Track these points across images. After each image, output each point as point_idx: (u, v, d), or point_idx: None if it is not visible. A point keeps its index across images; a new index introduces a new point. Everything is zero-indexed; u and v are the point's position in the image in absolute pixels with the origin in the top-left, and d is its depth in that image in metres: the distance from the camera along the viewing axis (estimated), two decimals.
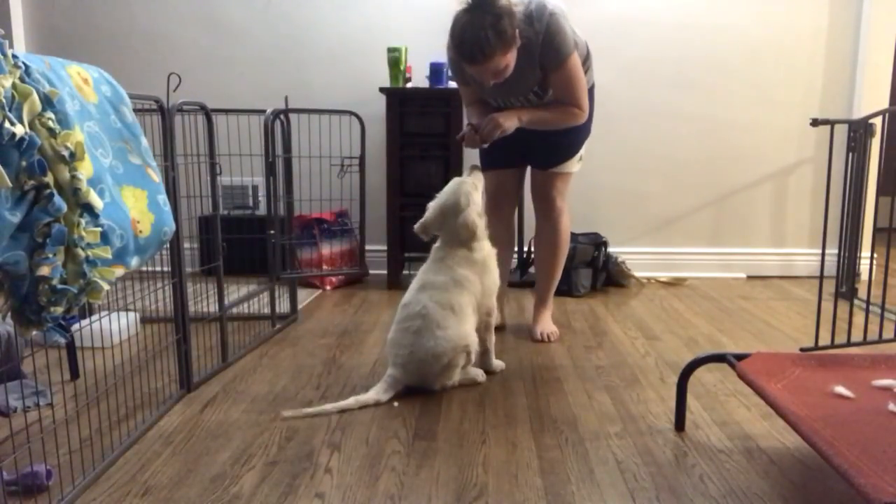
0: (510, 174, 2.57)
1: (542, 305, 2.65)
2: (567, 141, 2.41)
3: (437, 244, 2.14)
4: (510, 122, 2.24)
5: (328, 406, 1.86)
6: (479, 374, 2.11)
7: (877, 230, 3.29)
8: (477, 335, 2.06)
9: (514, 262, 3.66)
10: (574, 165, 2.52)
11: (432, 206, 2.13)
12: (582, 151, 2.53)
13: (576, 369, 2.24)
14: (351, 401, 1.88)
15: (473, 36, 2.06)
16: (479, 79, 2.22)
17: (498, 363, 2.21)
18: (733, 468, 1.57)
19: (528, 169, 2.57)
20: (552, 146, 2.45)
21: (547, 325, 2.60)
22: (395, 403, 1.92)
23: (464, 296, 2.01)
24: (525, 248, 3.60)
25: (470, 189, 2.11)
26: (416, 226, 2.14)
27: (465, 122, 2.46)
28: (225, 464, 1.58)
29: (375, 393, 1.93)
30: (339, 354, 2.37)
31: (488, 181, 2.38)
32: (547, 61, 2.22)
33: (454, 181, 2.15)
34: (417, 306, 1.97)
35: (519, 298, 3.24)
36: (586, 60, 2.40)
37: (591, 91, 2.47)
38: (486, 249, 2.12)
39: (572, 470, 1.56)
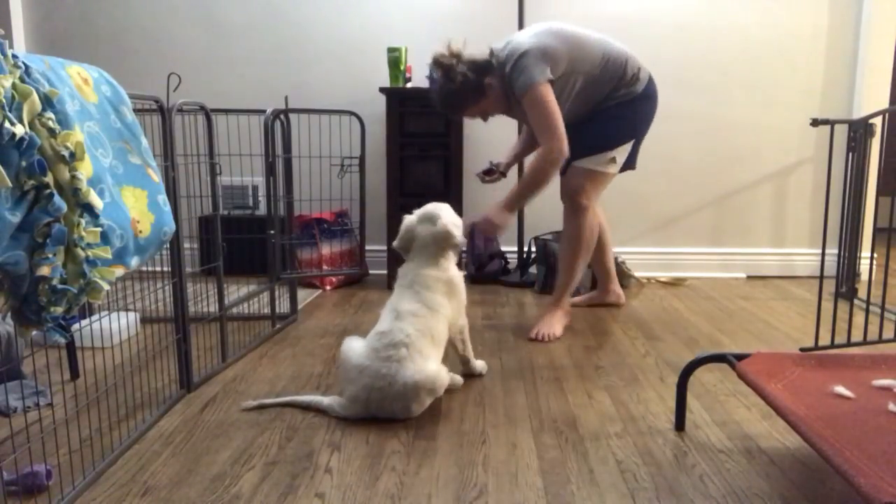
0: None
1: (551, 304, 2.64)
2: (593, 128, 2.40)
3: (401, 268, 2.04)
4: (504, 220, 2.38)
5: (299, 398, 1.91)
6: (459, 381, 2.08)
7: (877, 230, 3.29)
8: (455, 350, 2.08)
9: (514, 261, 3.67)
10: (603, 164, 2.50)
11: (407, 218, 2.06)
12: (615, 153, 2.50)
13: (576, 369, 2.24)
14: (314, 398, 1.89)
15: (442, 101, 2.50)
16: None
17: (480, 364, 2.17)
18: (733, 468, 1.57)
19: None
20: (577, 132, 2.42)
21: (547, 325, 2.57)
22: None
23: (440, 322, 1.93)
24: (525, 248, 3.60)
25: (451, 214, 2.05)
26: (396, 242, 2.06)
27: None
28: (225, 464, 1.58)
29: (331, 401, 1.87)
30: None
31: None
32: (515, 95, 2.41)
33: (436, 203, 2.08)
34: (400, 334, 1.83)
35: (519, 298, 3.24)
36: (611, 65, 2.49)
37: (650, 84, 2.59)
38: (452, 270, 2.02)
39: (572, 470, 1.56)
